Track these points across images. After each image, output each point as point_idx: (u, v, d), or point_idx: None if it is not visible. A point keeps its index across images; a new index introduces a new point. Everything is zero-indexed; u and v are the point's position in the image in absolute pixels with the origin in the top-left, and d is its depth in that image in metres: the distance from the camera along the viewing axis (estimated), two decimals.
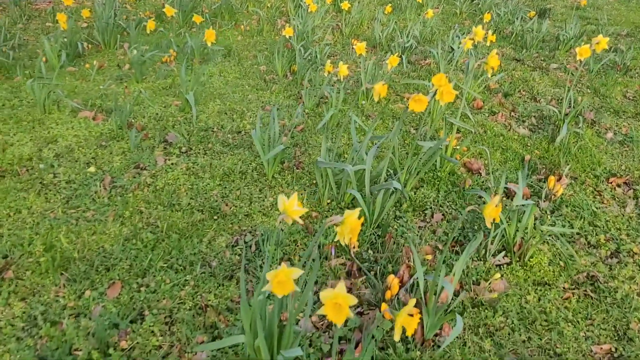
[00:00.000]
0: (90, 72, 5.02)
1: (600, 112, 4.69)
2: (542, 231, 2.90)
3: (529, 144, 4.02)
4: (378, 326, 2.26)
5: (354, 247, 2.72)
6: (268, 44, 6.16)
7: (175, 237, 2.77)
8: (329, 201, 3.15)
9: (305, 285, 2.30)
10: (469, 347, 2.25)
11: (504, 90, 5.03)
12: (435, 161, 3.51)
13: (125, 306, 2.35)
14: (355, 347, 2.21)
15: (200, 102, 4.47)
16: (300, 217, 1.91)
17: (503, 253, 2.73)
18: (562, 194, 3.34)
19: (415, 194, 3.26)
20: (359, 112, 4.42)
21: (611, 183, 3.54)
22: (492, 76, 5.14)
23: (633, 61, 5.95)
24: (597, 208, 3.25)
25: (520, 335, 2.34)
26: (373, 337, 2.23)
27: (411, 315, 1.75)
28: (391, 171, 3.34)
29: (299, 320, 2.34)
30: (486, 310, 2.44)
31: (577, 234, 2.98)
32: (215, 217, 2.97)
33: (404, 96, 4.79)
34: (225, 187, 3.25)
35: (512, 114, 4.61)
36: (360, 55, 5.17)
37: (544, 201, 3.24)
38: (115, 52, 5.66)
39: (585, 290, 2.60)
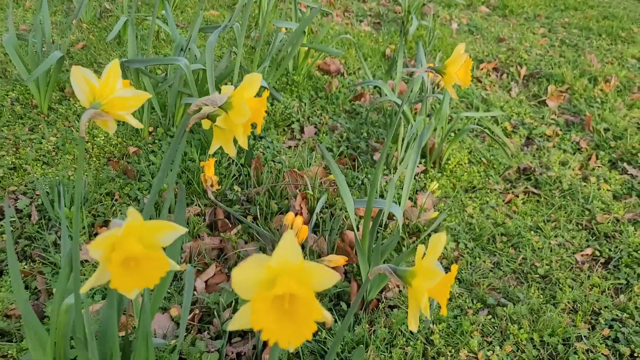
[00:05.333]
0: None
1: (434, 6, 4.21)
2: (462, 119, 2.21)
3: (380, 40, 3.32)
4: None
5: (211, 186, 1.71)
6: None
7: None
8: (151, 129, 2.04)
9: None
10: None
11: None
12: (287, 65, 2.59)
13: None
14: (262, 350, 1.26)
15: None
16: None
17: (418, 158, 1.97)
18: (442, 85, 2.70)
19: (272, 105, 2.32)
20: (161, 19, 3.25)
21: (483, 69, 3.03)
22: None
23: None
24: (485, 95, 2.69)
25: (485, 261, 1.61)
26: None
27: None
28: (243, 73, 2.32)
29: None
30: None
31: (478, 124, 2.36)
32: None
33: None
34: None
35: (347, 13, 3.88)
36: None
37: (428, 96, 2.56)
38: None
39: (526, 188, 1.97)
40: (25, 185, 1.71)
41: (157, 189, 0.95)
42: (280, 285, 0.52)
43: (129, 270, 0.64)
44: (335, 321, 1.35)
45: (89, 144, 1.93)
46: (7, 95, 2.17)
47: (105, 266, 0.65)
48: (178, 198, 0.97)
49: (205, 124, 0.94)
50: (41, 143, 1.91)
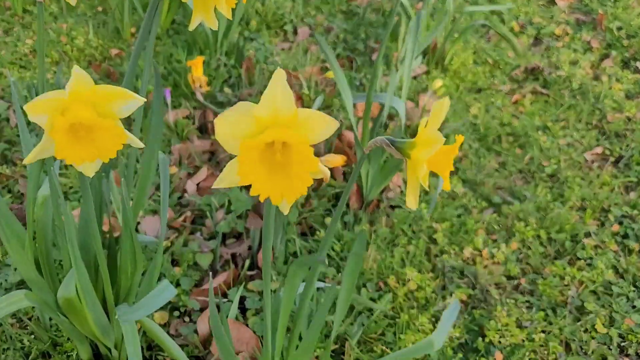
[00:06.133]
0: None
1: None
2: (467, 18, 2.07)
3: None
4: None
5: (200, 87, 1.60)
6: None
7: None
8: (133, 30, 1.91)
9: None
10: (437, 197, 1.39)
11: None
12: None
13: None
14: (258, 250, 1.20)
15: None
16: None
17: (420, 58, 1.85)
18: None
19: (263, 5, 2.16)
20: None
21: None
22: None
23: None
24: None
25: (490, 161, 1.54)
26: (289, 222, 1.23)
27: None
28: None
29: (138, 223, 1.24)
30: None
31: (483, 25, 2.22)
32: None
33: None
34: None
35: None
36: None
37: None
38: None
39: (534, 88, 1.87)
40: (2, 89, 1.60)
41: (133, 72, 0.85)
42: (270, 132, 0.44)
43: (78, 140, 0.57)
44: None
45: (68, 46, 1.80)
46: None
47: (49, 134, 0.57)
48: (154, 78, 0.88)
49: None
50: (17, 46, 1.78)
